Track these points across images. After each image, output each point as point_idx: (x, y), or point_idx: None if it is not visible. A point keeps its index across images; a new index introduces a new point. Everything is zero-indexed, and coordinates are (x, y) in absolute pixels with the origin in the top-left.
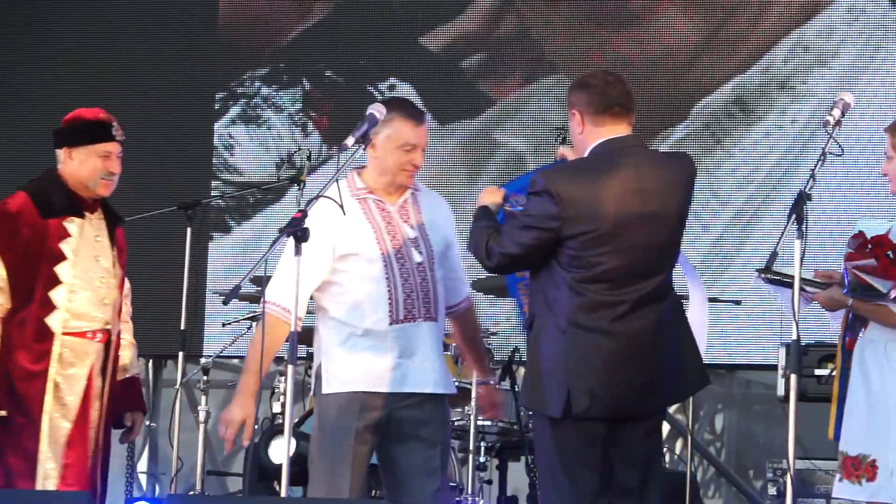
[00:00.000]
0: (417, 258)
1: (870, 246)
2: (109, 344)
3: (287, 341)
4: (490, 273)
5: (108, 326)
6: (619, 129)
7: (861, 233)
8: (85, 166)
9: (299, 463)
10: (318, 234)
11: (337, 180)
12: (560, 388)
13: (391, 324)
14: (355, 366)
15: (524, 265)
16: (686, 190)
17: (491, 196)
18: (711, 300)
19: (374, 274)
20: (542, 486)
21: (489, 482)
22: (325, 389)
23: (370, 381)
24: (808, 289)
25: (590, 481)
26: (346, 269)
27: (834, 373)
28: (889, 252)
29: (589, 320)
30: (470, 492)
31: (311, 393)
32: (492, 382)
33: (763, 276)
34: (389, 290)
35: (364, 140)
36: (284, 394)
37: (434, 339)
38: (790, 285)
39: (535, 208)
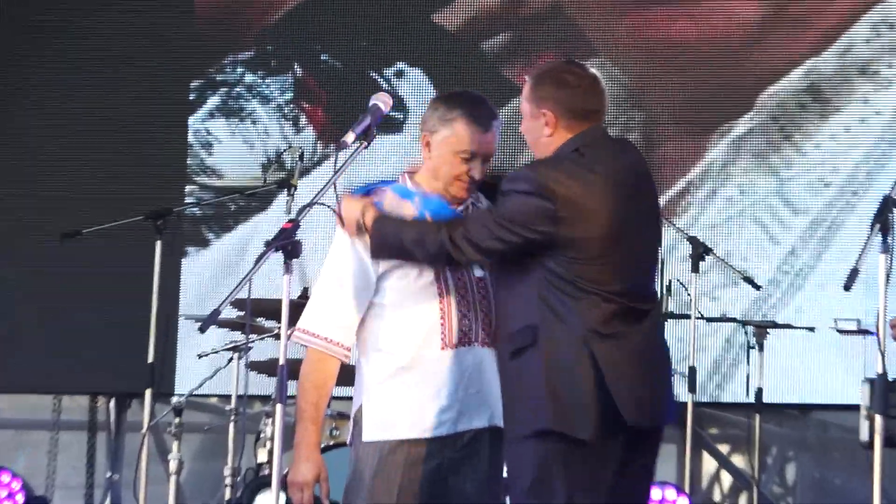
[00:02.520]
0: (478, 272)
1: None
2: None
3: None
4: (451, 263)
5: None
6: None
7: None
8: None
9: None
10: (361, 245)
11: (334, 184)
12: (589, 405)
13: (443, 349)
14: (401, 407)
15: (497, 260)
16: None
17: (362, 208)
18: (781, 326)
19: (424, 289)
20: None
21: None
22: (366, 436)
23: (418, 425)
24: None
25: None
26: (391, 287)
27: None
28: None
29: (610, 327)
30: None
31: (349, 441)
32: None
33: (839, 329)
34: (442, 309)
35: (367, 136)
36: (272, 439)
37: (495, 367)
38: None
39: (525, 208)
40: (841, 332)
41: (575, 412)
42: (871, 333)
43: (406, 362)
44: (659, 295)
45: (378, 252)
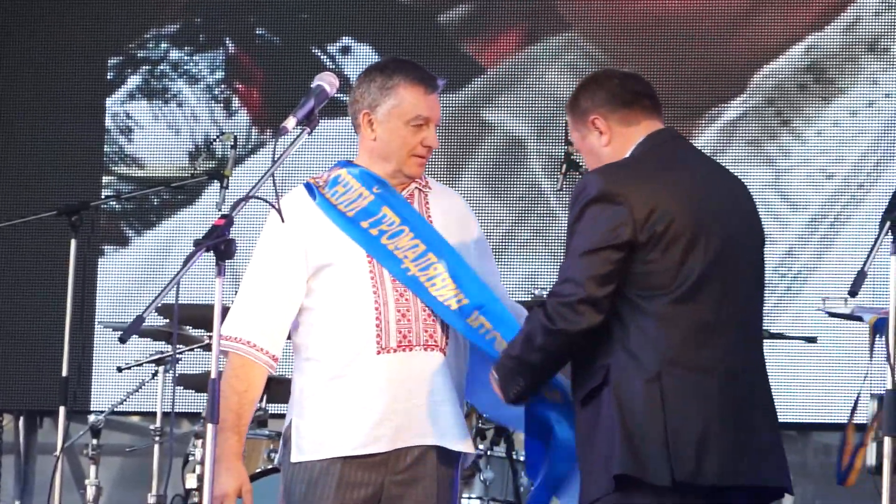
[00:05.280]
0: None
1: None
2: None
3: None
4: (573, 345)
5: None
6: (657, 125)
7: None
8: None
9: None
10: (289, 240)
11: (273, 175)
12: (661, 446)
13: (379, 353)
14: (332, 422)
15: (606, 310)
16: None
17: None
18: (776, 337)
19: (357, 288)
20: None
21: None
22: (295, 457)
23: (351, 441)
24: None
25: None
26: (322, 287)
27: None
28: None
29: (688, 355)
30: None
31: (277, 462)
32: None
33: (828, 310)
34: (377, 309)
35: (310, 122)
36: (202, 463)
37: (442, 376)
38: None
39: (595, 222)
40: (830, 314)
41: (647, 455)
42: (862, 319)
43: (338, 371)
44: None
45: (511, 391)
